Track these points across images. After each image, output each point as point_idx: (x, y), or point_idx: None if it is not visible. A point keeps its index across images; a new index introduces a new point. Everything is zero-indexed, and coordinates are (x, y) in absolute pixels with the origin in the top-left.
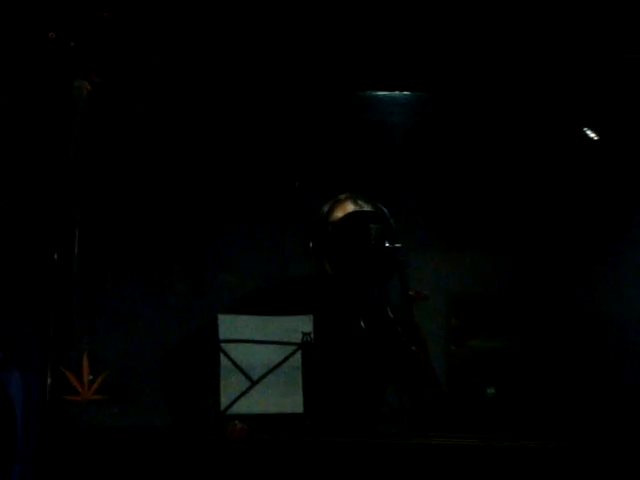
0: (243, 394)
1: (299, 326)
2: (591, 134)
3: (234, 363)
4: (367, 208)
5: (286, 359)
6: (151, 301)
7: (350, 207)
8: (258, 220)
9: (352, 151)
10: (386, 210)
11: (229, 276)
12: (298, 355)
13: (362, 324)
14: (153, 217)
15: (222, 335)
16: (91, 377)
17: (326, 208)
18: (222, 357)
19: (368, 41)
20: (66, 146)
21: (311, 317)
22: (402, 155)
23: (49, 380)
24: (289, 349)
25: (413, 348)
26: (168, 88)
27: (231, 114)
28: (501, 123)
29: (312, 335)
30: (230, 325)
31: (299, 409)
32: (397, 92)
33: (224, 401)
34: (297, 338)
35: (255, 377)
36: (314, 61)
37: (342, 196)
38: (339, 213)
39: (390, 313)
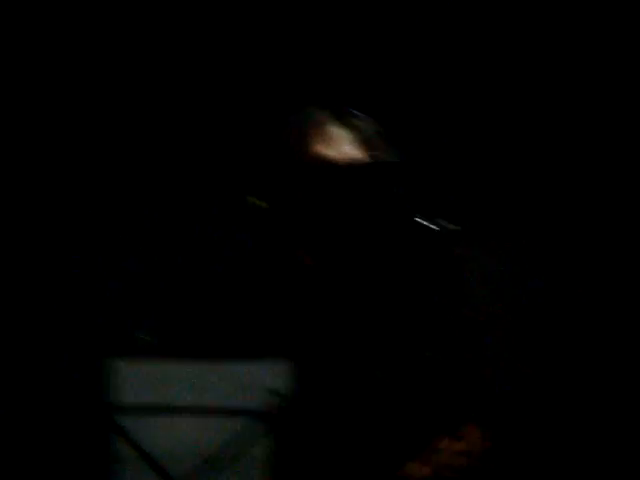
0: None
1: (263, 380)
2: None
3: (138, 451)
4: (381, 149)
5: (239, 444)
6: None
7: (348, 147)
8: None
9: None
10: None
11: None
12: (262, 435)
13: (378, 374)
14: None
15: (115, 399)
16: None
17: (290, 134)
18: (115, 439)
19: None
20: None
21: (287, 363)
22: None
23: None
24: (244, 424)
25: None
26: None
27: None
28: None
29: (288, 397)
30: (129, 380)
31: None
32: None
33: None
34: (259, 402)
35: (179, 477)
36: None
37: (316, 112)
38: (326, 150)
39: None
